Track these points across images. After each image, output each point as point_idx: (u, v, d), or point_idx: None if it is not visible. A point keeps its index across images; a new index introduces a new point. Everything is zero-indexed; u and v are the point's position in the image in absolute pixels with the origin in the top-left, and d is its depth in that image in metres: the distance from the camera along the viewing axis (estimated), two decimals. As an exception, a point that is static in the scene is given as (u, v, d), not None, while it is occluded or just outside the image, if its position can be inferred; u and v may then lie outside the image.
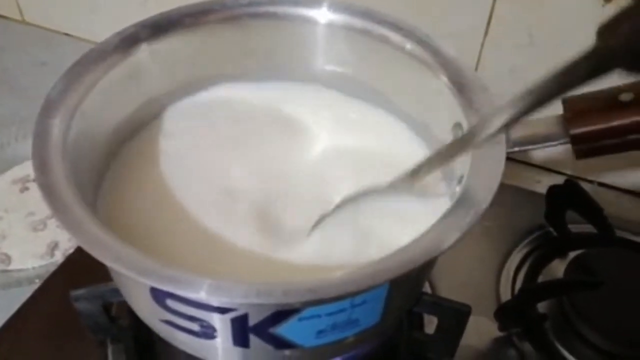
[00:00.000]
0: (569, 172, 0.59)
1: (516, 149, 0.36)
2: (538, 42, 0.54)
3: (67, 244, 0.54)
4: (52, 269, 0.50)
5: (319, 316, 0.33)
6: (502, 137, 0.35)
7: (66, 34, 0.76)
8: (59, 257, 0.52)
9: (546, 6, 0.52)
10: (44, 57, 0.73)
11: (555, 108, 0.36)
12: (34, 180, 0.58)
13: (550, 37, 0.54)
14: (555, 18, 0.53)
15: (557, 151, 0.55)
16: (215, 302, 0.30)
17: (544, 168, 0.60)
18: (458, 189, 0.36)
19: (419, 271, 0.31)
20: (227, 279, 0.29)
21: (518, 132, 0.36)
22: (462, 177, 0.36)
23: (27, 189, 0.57)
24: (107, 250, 0.30)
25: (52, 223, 0.55)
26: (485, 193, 0.33)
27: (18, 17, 0.78)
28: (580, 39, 0.51)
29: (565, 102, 0.36)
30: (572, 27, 0.52)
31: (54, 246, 0.53)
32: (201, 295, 0.28)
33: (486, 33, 0.56)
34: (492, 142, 0.35)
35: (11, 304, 0.48)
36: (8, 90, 0.69)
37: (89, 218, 0.32)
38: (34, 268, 0.52)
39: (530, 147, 0.36)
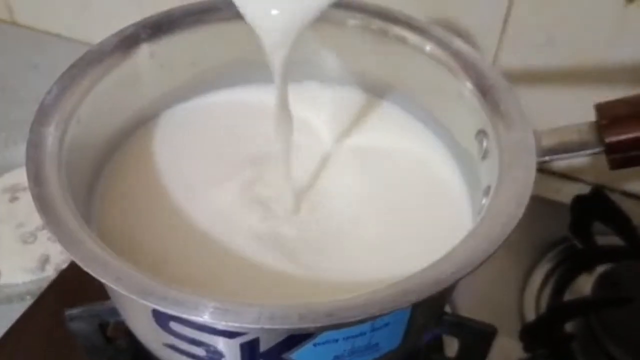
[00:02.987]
0: (589, 179, 0.57)
1: (547, 158, 0.34)
2: (556, 41, 0.53)
3: (58, 258, 0.51)
4: (44, 284, 0.48)
5: (336, 340, 0.30)
6: (532, 145, 0.33)
7: (57, 35, 0.74)
8: (50, 272, 0.50)
9: (565, 5, 0.50)
10: (34, 59, 0.71)
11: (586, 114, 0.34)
12: (24, 189, 0.55)
13: (569, 37, 0.52)
14: (574, 17, 0.51)
15: (577, 158, 0.53)
16: (223, 326, 0.28)
17: (563, 176, 0.58)
18: (484, 201, 0.33)
19: (445, 291, 0.29)
20: (236, 301, 0.27)
21: (549, 139, 0.34)
22: (489, 188, 0.33)
23: (16, 198, 0.55)
24: (106, 269, 0.28)
25: (43, 235, 0.52)
26: (516, 206, 0.31)
27: (7, 18, 0.76)
28: (600, 39, 0.50)
29: (598, 108, 0.34)
30: (592, 27, 0.51)
31: (45, 260, 0.51)
32: (207, 319, 0.26)
33: (503, 32, 0.54)
34: (521, 150, 0.33)
35: (1, 322, 0.46)
36: (-2, 93, 0.67)
37: (86, 234, 0.30)
38: (24, 283, 0.50)
39: (562, 155, 0.34)
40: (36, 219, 0.52)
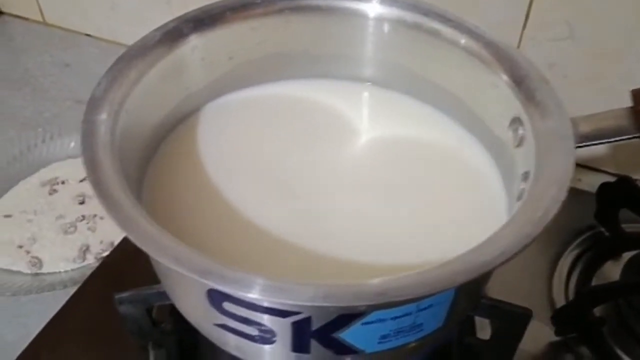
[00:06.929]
0: (608, 169, 0.58)
1: (584, 143, 0.35)
2: (578, 35, 0.53)
3: (98, 247, 0.52)
4: (85, 272, 0.49)
5: (383, 320, 0.31)
6: (570, 131, 0.34)
7: (87, 35, 0.75)
8: (90, 260, 0.51)
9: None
10: (65, 58, 0.72)
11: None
12: (62, 183, 0.57)
13: (591, 30, 0.53)
14: (595, 10, 0.51)
15: (596, 148, 0.53)
16: (278, 304, 0.29)
17: (582, 166, 0.59)
18: (523, 186, 0.34)
19: (488, 274, 0.30)
20: (291, 280, 0.28)
21: (586, 125, 0.35)
22: (527, 173, 0.34)
23: (55, 191, 0.56)
24: (165, 250, 0.29)
25: (82, 226, 0.53)
26: (557, 190, 0.31)
27: (39, 19, 0.77)
28: (621, 32, 0.51)
29: (635, 94, 0.35)
30: (613, 20, 0.51)
31: (85, 249, 0.52)
32: (264, 297, 0.27)
33: (524, 26, 0.54)
34: (559, 136, 0.34)
35: (46, 309, 0.47)
36: (31, 92, 0.68)
37: (143, 217, 0.31)
38: (65, 272, 0.51)
39: (598, 141, 0.35)
40: (75, 210, 0.54)
